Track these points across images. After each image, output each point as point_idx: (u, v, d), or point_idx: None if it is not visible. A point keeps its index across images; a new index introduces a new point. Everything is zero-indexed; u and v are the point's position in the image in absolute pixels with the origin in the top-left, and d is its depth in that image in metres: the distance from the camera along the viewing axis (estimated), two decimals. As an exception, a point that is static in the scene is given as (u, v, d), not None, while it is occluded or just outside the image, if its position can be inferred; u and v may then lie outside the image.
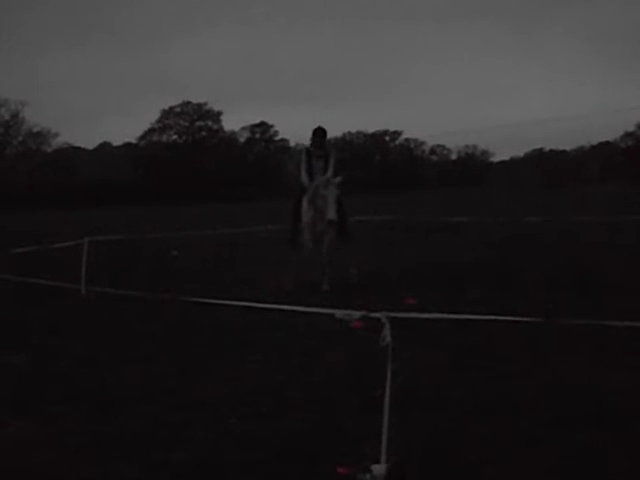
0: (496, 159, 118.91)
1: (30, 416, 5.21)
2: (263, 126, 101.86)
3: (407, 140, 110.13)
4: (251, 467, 4.19)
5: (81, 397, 5.63)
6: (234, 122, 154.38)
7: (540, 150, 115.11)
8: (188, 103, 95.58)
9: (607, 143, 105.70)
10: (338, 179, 10.69)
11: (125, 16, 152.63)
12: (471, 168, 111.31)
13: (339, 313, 6.84)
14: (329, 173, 10.72)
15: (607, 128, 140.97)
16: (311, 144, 11.13)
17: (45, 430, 4.88)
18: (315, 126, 11.03)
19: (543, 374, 5.87)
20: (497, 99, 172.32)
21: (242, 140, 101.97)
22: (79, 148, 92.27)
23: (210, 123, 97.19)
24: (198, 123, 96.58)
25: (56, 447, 4.56)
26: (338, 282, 10.74)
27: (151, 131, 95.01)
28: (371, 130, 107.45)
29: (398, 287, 10.38)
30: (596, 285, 10.02)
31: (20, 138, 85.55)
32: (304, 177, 10.82)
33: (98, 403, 5.46)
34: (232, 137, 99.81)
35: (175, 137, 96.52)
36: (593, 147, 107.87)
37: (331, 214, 10.35)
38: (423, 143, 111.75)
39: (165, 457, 4.37)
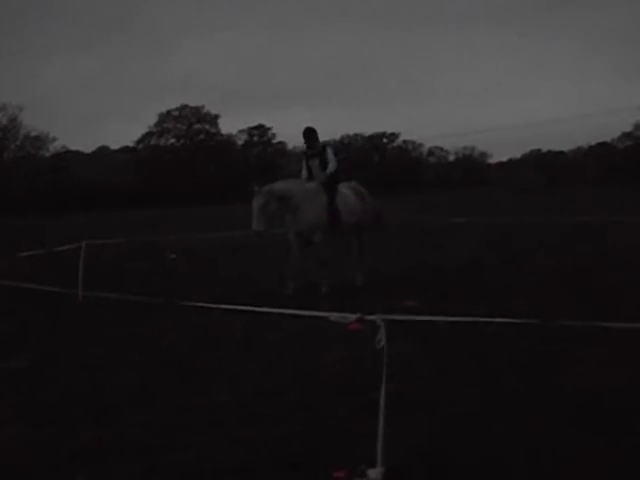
0: (494, 160, 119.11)
1: (28, 420, 5.21)
2: (261, 129, 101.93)
3: (405, 142, 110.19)
4: (249, 471, 4.19)
5: (78, 401, 5.63)
6: (232, 125, 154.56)
7: (538, 151, 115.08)
8: (186, 107, 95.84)
9: (605, 144, 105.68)
10: (331, 167, 10.72)
11: (123, 20, 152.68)
12: (469, 169, 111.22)
13: (333, 316, 6.82)
14: (330, 167, 10.75)
15: (604, 129, 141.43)
16: (305, 145, 11.14)
17: (42, 434, 4.88)
18: (305, 128, 10.99)
19: (542, 375, 5.86)
20: (493, 101, 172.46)
21: (240, 143, 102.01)
22: (77, 152, 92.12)
23: (208, 126, 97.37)
24: (196, 126, 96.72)
25: (53, 451, 4.56)
26: (339, 284, 10.71)
27: (149, 135, 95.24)
28: (369, 132, 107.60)
29: (398, 289, 10.35)
30: (595, 286, 10.02)
31: (18, 142, 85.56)
32: (304, 178, 10.89)
33: (95, 407, 5.46)
34: (230, 140, 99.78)
35: (173, 140, 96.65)
36: (591, 148, 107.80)
37: (254, 224, 10.11)
38: (421, 145, 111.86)
39: (163, 461, 4.37)
